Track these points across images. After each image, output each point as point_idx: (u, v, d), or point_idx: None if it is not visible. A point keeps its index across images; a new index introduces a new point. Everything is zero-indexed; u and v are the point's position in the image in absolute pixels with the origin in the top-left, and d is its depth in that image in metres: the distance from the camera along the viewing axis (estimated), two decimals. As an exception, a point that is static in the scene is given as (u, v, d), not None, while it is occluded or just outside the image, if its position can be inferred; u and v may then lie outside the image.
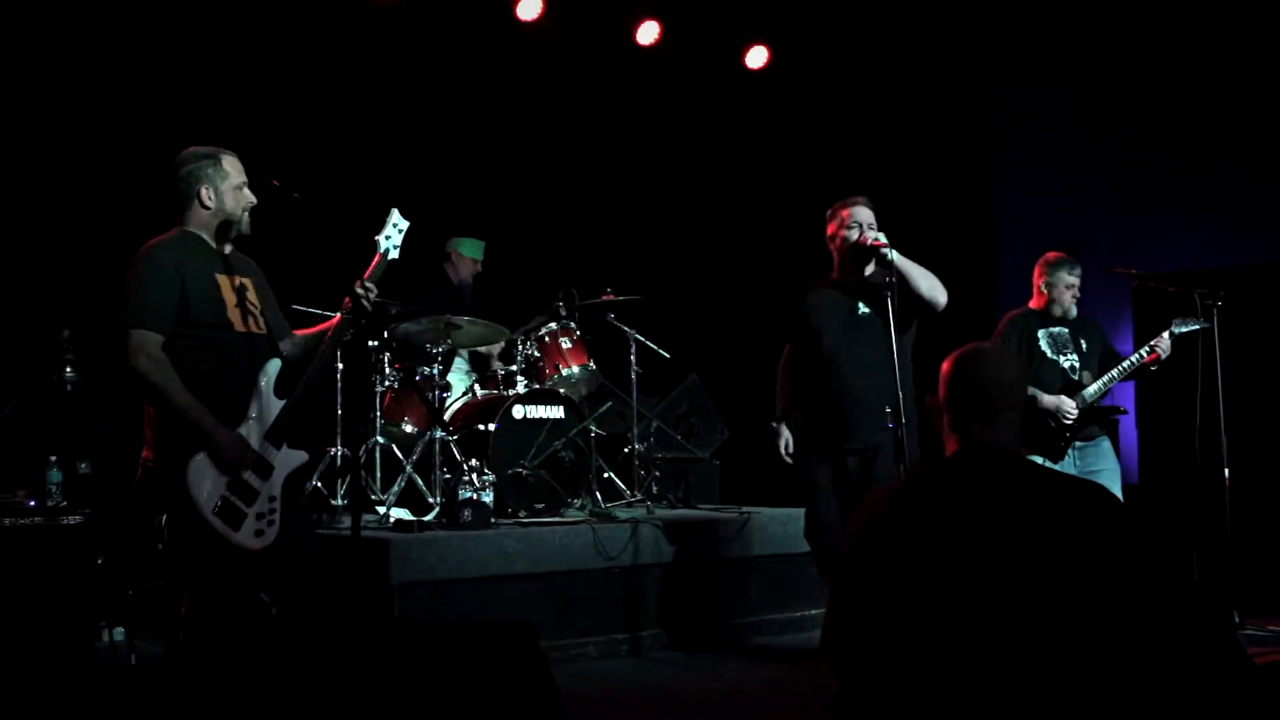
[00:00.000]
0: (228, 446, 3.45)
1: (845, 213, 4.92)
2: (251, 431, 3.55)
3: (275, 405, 3.60)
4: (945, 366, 2.60)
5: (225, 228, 3.68)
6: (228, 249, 3.72)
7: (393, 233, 3.83)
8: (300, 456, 3.66)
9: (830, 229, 4.99)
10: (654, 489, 6.44)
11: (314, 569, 3.76)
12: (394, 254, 3.83)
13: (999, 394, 2.49)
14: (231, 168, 3.68)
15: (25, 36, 5.96)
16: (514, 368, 6.20)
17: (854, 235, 4.87)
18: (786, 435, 5.18)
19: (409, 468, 5.71)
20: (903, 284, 4.75)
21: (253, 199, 3.72)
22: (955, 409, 2.52)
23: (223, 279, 3.64)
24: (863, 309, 4.88)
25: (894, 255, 4.74)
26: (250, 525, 3.49)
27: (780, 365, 5.26)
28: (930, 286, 4.82)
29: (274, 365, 3.65)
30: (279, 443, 3.58)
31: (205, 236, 3.66)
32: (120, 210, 6.01)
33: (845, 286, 4.96)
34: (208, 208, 3.64)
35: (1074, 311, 5.63)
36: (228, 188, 3.66)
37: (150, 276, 3.51)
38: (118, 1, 6.14)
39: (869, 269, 4.93)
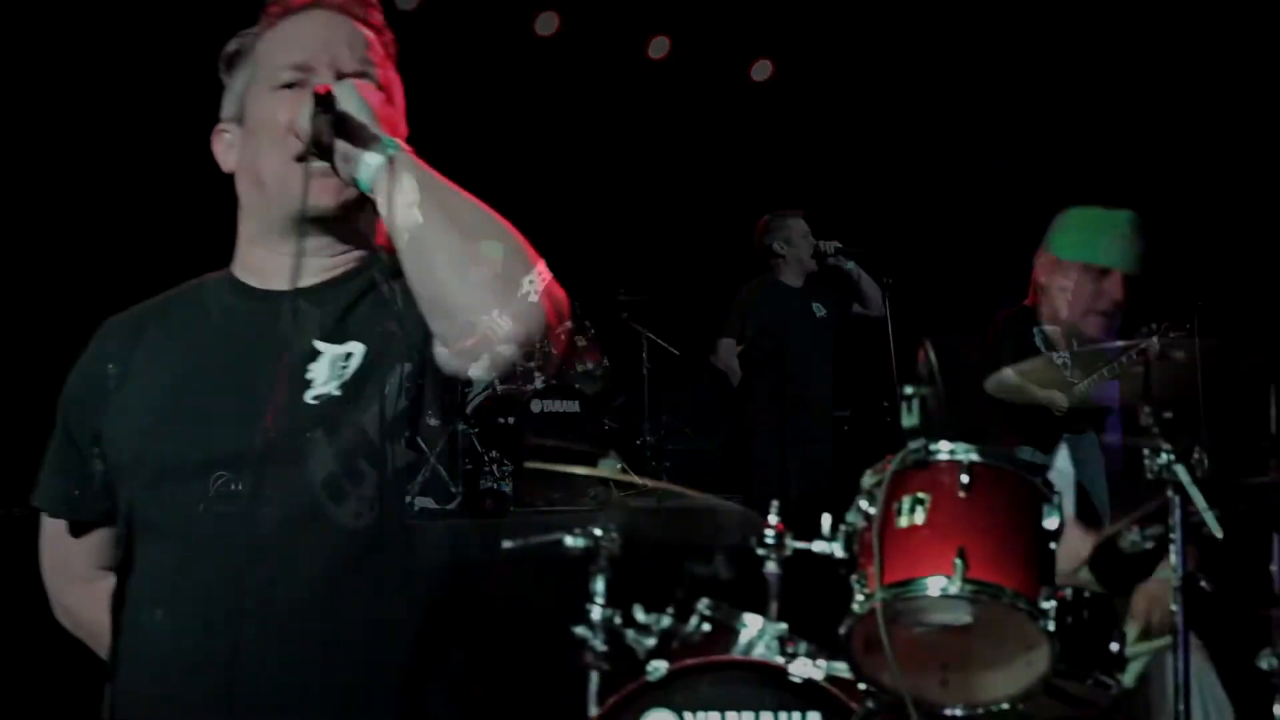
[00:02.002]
0: None
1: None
2: None
3: None
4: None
5: None
6: None
7: None
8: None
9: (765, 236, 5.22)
10: (664, 479, 6.61)
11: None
12: None
13: None
14: None
15: (84, 42, 6.11)
16: (532, 364, 6.39)
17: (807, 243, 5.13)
18: None
19: (432, 459, 5.90)
20: (855, 290, 5.02)
21: None
22: None
23: None
24: (819, 311, 5.10)
25: (852, 264, 5.00)
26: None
27: (726, 357, 5.21)
28: (875, 295, 5.03)
29: None
30: None
31: None
32: (157, 211, 6.20)
33: (792, 288, 5.15)
34: None
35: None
36: None
37: None
38: (152, 5, 6.30)
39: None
